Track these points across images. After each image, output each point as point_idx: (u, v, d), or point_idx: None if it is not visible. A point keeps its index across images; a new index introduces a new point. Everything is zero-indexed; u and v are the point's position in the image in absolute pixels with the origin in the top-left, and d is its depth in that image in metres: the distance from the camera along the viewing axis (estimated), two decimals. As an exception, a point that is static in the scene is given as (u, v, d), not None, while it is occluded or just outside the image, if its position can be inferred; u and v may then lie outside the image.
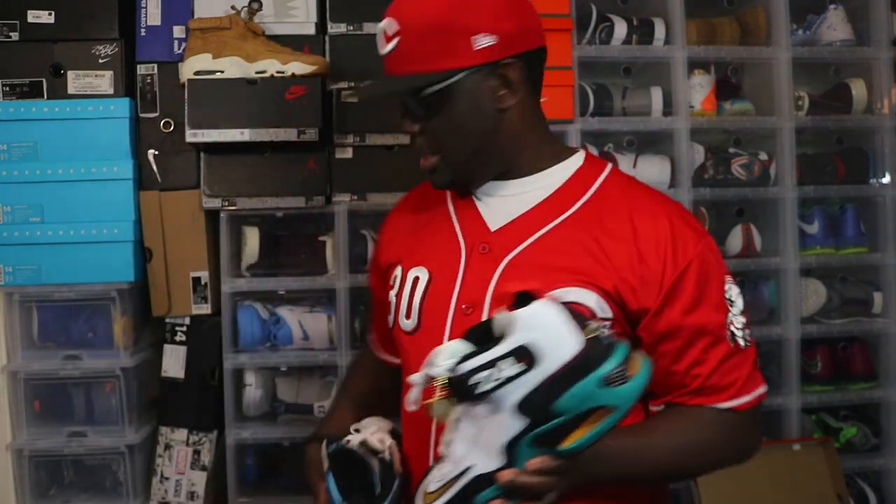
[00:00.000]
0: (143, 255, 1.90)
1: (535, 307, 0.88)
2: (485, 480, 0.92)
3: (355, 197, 1.92)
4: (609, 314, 1.04)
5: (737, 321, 1.08)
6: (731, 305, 1.08)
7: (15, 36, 1.86)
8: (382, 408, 1.26)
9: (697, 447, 1.08)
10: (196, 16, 1.89)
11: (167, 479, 1.92)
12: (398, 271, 1.18)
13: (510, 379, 0.87)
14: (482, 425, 0.91)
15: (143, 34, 1.91)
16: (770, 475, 1.97)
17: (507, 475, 0.91)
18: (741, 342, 1.08)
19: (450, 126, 1.08)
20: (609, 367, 0.87)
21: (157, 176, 1.91)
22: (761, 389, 1.10)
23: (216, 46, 1.82)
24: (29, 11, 1.86)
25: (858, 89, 2.13)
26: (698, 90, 2.06)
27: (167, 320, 1.94)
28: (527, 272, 1.06)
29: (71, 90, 1.87)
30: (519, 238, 1.09)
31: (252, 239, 1.94)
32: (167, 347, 1.94)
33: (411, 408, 0.93)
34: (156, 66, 1.91)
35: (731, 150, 2.12)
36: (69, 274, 1.83)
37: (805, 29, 2.13)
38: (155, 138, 1.91)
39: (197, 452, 1.93)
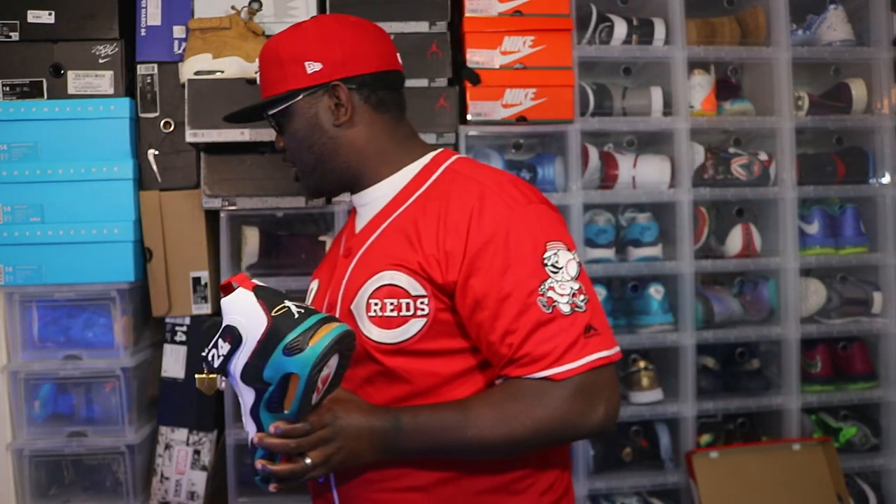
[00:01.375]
0: (143, 255, 1.90)
1: (231, 295, 1.03)
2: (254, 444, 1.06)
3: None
4: (422, 291, 1.11)
5: (560, 287, 1.06)
6: (555, 272, 1.07)
7: (15, 36, 1.86)
8: None
9: (507, 420, 1.05)
10: (196, 16, 1.89)
11: (167, 479, 1.92)
12: (312, 285, 1.34)
13: (228, 355, 1.01)
14: (241, 397, 1.05)
15: (143, 34, 1.91)
16: (770, 475, 1.97)
17: (255, 438, 1.02)
18: (564, 308, 1.05)
19: (294, 140, 1.25)
20: (290, 337, 0.98)
21: (157, 176, 1.91)
22: (593, 356, 1.05)
23: (216, 46, 1.82)
24: (29, 11, 1.86)
25: (858, 89, 2.13)
26: (698, 90, 2.06)
27: (167, 320, 1.94)
28: (362, 266, 1.17)
29: (71, 90, 1.87)
30: (365, 238, 1.21)
31: (252, 239, 1.94)
32: (167, 347, 1.94)
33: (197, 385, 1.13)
34: (156, 66, 1.91)
35: (731, 150, 2.12)
36: (69, 274, 1.83)
37: (805, 29, 2.13)
38: (155, 138, 1.91)
39: (197, 452, 1.93)
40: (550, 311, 1.05)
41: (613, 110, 2.05)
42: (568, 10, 1.94)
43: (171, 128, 1.91)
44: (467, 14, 1.92)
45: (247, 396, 1.03)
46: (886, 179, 2.13)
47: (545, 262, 1.07)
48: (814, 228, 2.13)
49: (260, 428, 1.03)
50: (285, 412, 1.01)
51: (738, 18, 2.12)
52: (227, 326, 1.02)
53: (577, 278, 1.08)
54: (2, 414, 1.85)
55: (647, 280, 2.06)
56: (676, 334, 2.02)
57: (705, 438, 2.09)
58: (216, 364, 1.03)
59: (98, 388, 1.89)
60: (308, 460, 1.03)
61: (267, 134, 1.82)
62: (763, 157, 2.08)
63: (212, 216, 1.94)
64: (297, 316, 1.00)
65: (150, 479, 1.93)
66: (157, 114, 1.91)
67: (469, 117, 1.93)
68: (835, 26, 2.09)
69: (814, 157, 2.17)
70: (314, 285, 1.31)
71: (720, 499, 1.93)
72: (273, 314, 1.00)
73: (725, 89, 2.16)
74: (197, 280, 1.92)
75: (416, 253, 1.12)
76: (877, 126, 2.13)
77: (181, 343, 1.94)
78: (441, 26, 1.92)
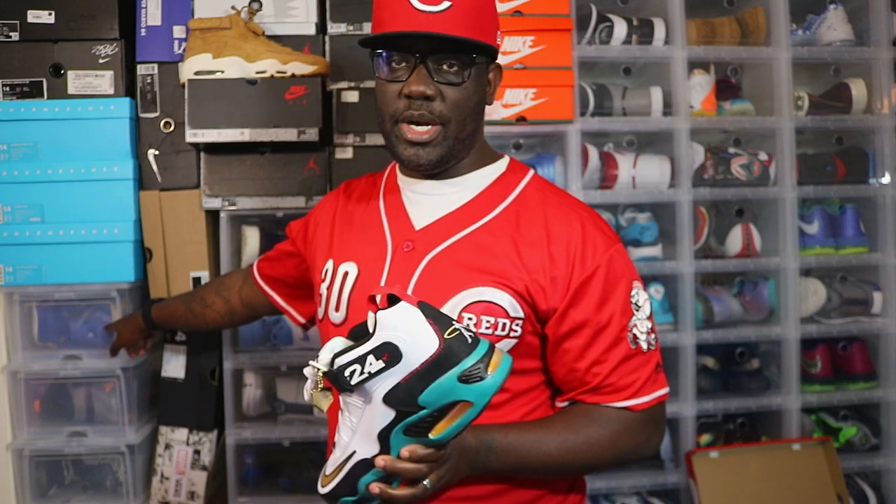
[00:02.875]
0: (143, 255, 1.90)
1: (395, 309, 0.94)
2: (366, 465, 0.99)
3: (355, 197, 1.93)
4: (521, 313, 1.11)
5: (641, 325, 1.14)
6: (637, 310, 1.14)
7: (15, 36, 1.86)
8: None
9: (590, 444, 1.12)
10: (196, 16, 1.89)
11: (167, 478, 1.92)
12: (329, 265, 1.24)
13: (376, 373, 0.94)
14: (360, 414, 0.98)
15: (143, 34, 1.92)
16: (770, 475, 1.97)
17: (381, 461, 0.97)
18: (643, 345, 1.14)
19: (467, 99, 1.12)
20: (467, 364, 0.93)
21: (157, 176, 1.91)
22: (661, 392, 1.15)
23: (216, 46, 1.82)
24: (29, 11, 1.86)
25: (858, 89, 2.13)
26: (698, 90, 2.06)
27: (167, 320, 1.94)
28: (445, 270, 1.12)
29: (71, 90, 1.87)
30: (441, 238, 1.15)
31: (252, 239, 1.94)
32: (167, 347, 1.94)
33: (305, 397, 1.00)
34: (156, 66, 1.91)
35: (731, 150, 2.12)
36: (69, 274, 1.83)
37: (805, 29, 2.13)
38: (155, 138, 1.91)
39: (197, 452, 1.93)
40: (634, 346, 1.13)
41: (613, 110, 2.05)
42: (568, 10, 1.94)
43: (171, 128, 1.91)
44: (467, 14, 1.92)
45: (379, 418, 0.96)
46: (886, 179, 2.13)
47: (632, 299, 1.14)
48: (814, 228, 2.13)
49: (384, 450, 0.98)
50: (430, 437, 0.96)
51: (738, 18, 2.12)
52: (387, 344, 0.93)
53: (649, 317, 1.16)
54: (2, 414, 1.85)
55: (647, 280, 2.06)
56: (676, 334, 2.02)
57: (705, 438, 2.09)
58: (355, 380, 0.94)
59: (98, 388, 1.89)
60: (427, 483, 1.01)
61: (267, 134, 1.83)
62: (763, 157, 2.08)
63: (212, 216, 1.94)
64: (469, 341, 0.94)
65: (150, 479, 1.93)
66: (157, 114, 1.91)
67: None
68: (835, 26, 2.09)
69: (814, 157, 2.17)
70: (350, 269, 1.21)
71: (720, 499, 1.93)
72: (446, 337, 0.93)
73: (725, 89, 2.16)
74: (197, 280, 1.92)
75: (521, 276, 1.11)
76: (877, 126, 2.13)
77: (181, 343, 1.94)
78: (441, 26, 1.92)
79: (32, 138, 1.84)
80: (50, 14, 1.87)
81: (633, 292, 1.14)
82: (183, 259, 1.91)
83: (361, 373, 0.94)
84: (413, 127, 1.12)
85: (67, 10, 1.87)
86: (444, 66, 1.10)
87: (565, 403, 1.16)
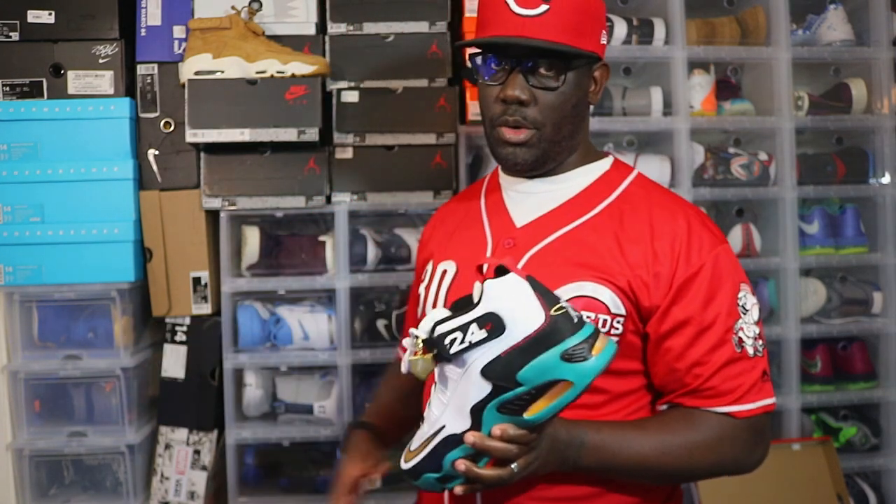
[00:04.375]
0: (143, 255, 1.90)
1: (503, 280, 0.92)
2: (454, 441, 0.96)
3: (355, 197, 1.93)
4: (622, 310, 1.07)
5: (748, 329, 1.09)
6: (744, 313, 1.09)
7: (15, 36, 1.87)
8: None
9: (688, 448, 1.07)
10: (196, 16, 1.89)
11: (167, 478, 1.92)
12: (429, 266, 1.24)
13: (477, 343, 0.91)
14: (454, 388, 0.95)
15: (143, 34, 1.92)
16: (770, 475, 1.96)
17: (470, 437, 0.94)
18: (749, 350, 1.08)
19: (563, 103, 1.11)
20: (571, 343, 0.89)
21: (158, 176, 1.91)
22: (767, 401, 1.09)
23: (216, 46, 1.82)
24: (29, 11, 1.86)
25: (858, 89, 2.13)
26: (698, 90, 2.06)
27: (167, 320, 1.94)
28: (546, 266, 1.10)
29: (71, 90, 1.87)
30: (542, 234, 1.13)
31: (252, 239, 1.94)
32: (167, 347, 1.94)
33: (403, 368, 0.97)
34: (156, 66, 1.91)
35: (731, 150, 2.12)
36: (69, 274, 1.83)
37: (805, 29, 2.13)
38: (155, 138, 1.91)
39: (197, 452, 1.93)
40: (740, 350, 1.08)
41: (613, 110, 2.05)
42: (568, 10, 1.94)
43: (171, 128, 1.91)
44: (467, 14, 1.92)
45: (475, 391, 0.93)
46: (886, 179, 2.13)
47: (738, 301, 1.10)
48: (814, 228, 2.12)
49: (475, 426, 0.94)
50: (525, 417, 0.93)
51: (738, 18, 2.12)
52: (492, 314, 0.91)
53: (757, 322, 1.11)
54: (2, 414, 1.85)
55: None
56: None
57: (705, 438, 2.08)
58: (455, 349, 0.91)
59: (98, 388, 1.89)
60: (514, 467, 0.96)
61: (267, 134, 1.83)
62: (763, 157, 2.08)
63: (212, 216, 1.94)
64: (575, 321, 0.91)
65: (150, 479, 1.93)
66: (157, 114, 1.91)
67: (469, 117, 1.93)
68: (835, 26, 2.09)
69: (814, 157, 2.16)
70: (448, 267, 1.20)
71: (720, 499, 1.93)
72: (552, 313, 0.90)
73: (725, 89, 2.16)
74: (197, 280, 1.92)
75: (624, 271, 1.08)
76: (877, 126, 2.13)
77: (181, 343, 1.94)
78: (441, 26, 1.92)
79: (32, 138, 1.84)
80: (50, 14, 1.87)
81: (741, 294, 1.10)
82: (183, 259, 1.91)
83: (462, 342, 0.91)
84: (510, 129, 1.12)
85: (67, 10, 1.87)
86: (541, 71, 1.09)
87: (664, 407, 1.12)
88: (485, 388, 0.92)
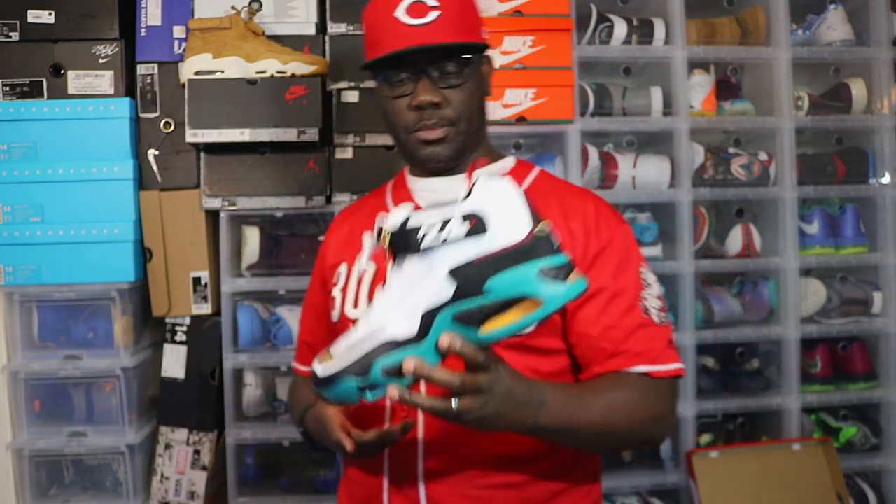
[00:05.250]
0: (143, 255, 1.90)
1: (501, 180, 0.88)
2: (391, 347, 0.88)
3: (355, 197, 1.92)
4: None
5: (652, 301, 1.15)
6: (647, 286, 1.16)
7: (15, 36, 1.87)
8: None
9: (619, 407, 1.08)
10: (196, 16, 1.89)
11: (167, 478, 1.92)
12: (342, 269, 1.25)
13: (452, 241, 0.86)
14: (409, 287, 0.88)
15: (143, 34, 1.92)
16: (770, 475, 1.97)
17: (411, 362, 0.86)
18: (655, 318, 1.14)
19: (471, 97, 1.18)
20: (550, 263, 0.86)
21: (157, 176, 1.91)
22: (677, 365, 1.14)
23: (216, 46, 1.82)
24: (29, 11, 1.86)
25: (858, 89, 2.13)
26: (698, 90, 2.06)
27: (167, 320, 1.94)
28: None
29: (71, 90, 1.87)
30: None
31: (252, 239, 1.94)
32: (167, 347, 1.94)
33: (362, 267, 0.94)
34: (156, 66, 1.91)
35: (731, 150, 2.12)
36: (69, 274, 1.83)
37: (805, 29, 2.13)
38: (155, 138, 1.91)
39: (197, 452, 1.93)
40: (647, 317, 1.13)
41: (613, 110, 2.05)
42: (568, 10, 1.94)
43: (171, 128, 1.91)
44: (467, 14, 1.92)
45: (434, 293, 0.87)
46: (886, 179, 2.13)
47: (642, 275, 1.16)
48: (814, 228, 2.13)
49: (422, 333, 0.87)
50: (481, 334, 0.86)
51: (738, 18, 2.12)
52: (479, 212, 0.86)
53: (659, 297, 1.17)
54: (2, 414, 1.85)
55: (647, 280, 2.06)
56: (676, 334, 2.01)
57: (705, 438, 2.09)
58: (427, 243, 0.86)
59: (98, 388, 1.89)
60: (454, 403, 0.90)
61: (267, 134, 1.83)
62: (763, 157, 2.08)
63: (212, 216, 1.94)
64: (555, 246, 0.87)
65: (150, 479, 1.93)
66: (157, 114, 1.91)
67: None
68: (835, 26, 2.09)
69: (814, 157, 2.17)
70: (368, 267, 1.22)
71: (720, 499, 1.93)
72: (538, 230, 0.86)
73: (725, 89, 2.16)
74: (197, 280, 1.92)
75: None
76: (877, 126, 2.13)
77: (181, 343, 1.94)
78: (441, 26, 1.92)
79: (32, 138, 1.84)
80: (50, 14, 1.87)
81: (643, 269, 1.16)
82: (183, 259, 1.91)
83: (436, 237, 0.86)
84: (427, 130, 1.17)
85: (67, 10, 1.87)
86: (444, 73, 1.15)
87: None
88: (446, 290, 0.86)
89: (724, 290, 2.14)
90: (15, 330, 1.85)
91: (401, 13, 1.13)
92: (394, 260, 0.90)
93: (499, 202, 0.87)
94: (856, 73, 2.16)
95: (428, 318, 0.86)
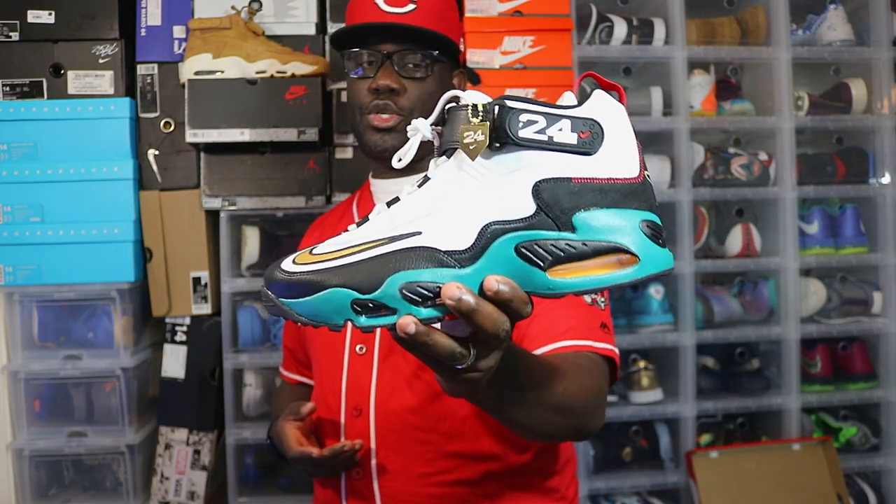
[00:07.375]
0: (143, 255, 1.90)
1: (617, 103, 0.69)
2: (424, 258, 0.65)
3: (355, 197, 1.93)
4: None
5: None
6: None
7: (15, 36, 1.86)
8: None
9: (572, 375, 0.97)
10: (196, 16, 1.89)
11: (167, 478, 1.92)
12: None
13: (554, 144, 0.66)
14: (473, 189, 0.67)
15: (143, 34, 1.92)
16: (770, 475, 1.97)
17: (451, 289, 0.62)
18: (585, 299, 1.11)
19: (430, 94, 1.20)
20: (654, 218, 0.68)
21: (158, 176, 1.91)
22: (615, 348, 1.09)
23: (216, 46, 1.82)
24: (29, 11, 1.86)
25: (858, 89, 2.13)
26: (698, 90, 2.06)
27: (167, 320, 1.94)
28: None
29: (71, 90, 1.87)
30: None
31: (252, 239, 1.94)
32: (167, 347, 1.94)
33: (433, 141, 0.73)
34: (156, 66, 1.91)
35: (731, 150, 2.12)
36: (69, 274, 1.83)
37: (805, 29, 2.13)
38: (155, 138, 1.91)
39: (197, 452, 1.93)
40: (590, 301, 1.11)
41: (613, 110, 2.05)
42: (568, 10, 1.94)
43: (171, 128, 1.91)
44: (467, 14, 1.92)
45: (509, 203, 0.66)
46: (886, 179, 2.13)
47: None
48: (814, 228, 2.13)
49: (474, 254, 0.65)
50: (549, 277, 0.65)
51: (738, 18, 2.12)
52: (596, 123, 0.67)
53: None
54: (2, 414, 1.85)
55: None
56: (676, 334, 2.02)
57: (705, 438, 2.09)
58: (526, 134, 0.65)
59: (98, 388, 1.89)
60: (472, 354, 0.66)
61: (267, 134, 1.83)
62: (763, 157, 2.08)
63: (212, 216, 1.94)
64: (656, 201, 0.69)
65: (150, 479, 1.93)
66: (157, 114, 1.91)
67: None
68: (835, 26, 2.09)
69: (814, 157, 2.17)
70: None
71: (720, 499, 1.93)
72: (647, 173, 0.69)
73: (725, 89, 2.16)
74: (197, 280, 1.92)
75: None
76: (877, 126, 2.13)
77: (181, 343, 1.94)
78: (441, 26, 1.92)
79: (32, 138, 1.84)
80: (50, 14, 1.87)
81: None
82: (183, 259, 1.91)
83: (540, 132, 0.65)
84: (378, 115, 1.20)
85: (67, 10, 1.87)
86: (409, 64, 1.19)
87: None
88: (523, 208, 0.65)
89: (724, 290, 2.14)
90: (15, 330, 1.85)
91: (380, 0, 1.18)
92: (489, 145, 0.66)
93: (617, 125, 0.68)
94: (856, 73, 2.16)
95: (486, 239, 0.65)
